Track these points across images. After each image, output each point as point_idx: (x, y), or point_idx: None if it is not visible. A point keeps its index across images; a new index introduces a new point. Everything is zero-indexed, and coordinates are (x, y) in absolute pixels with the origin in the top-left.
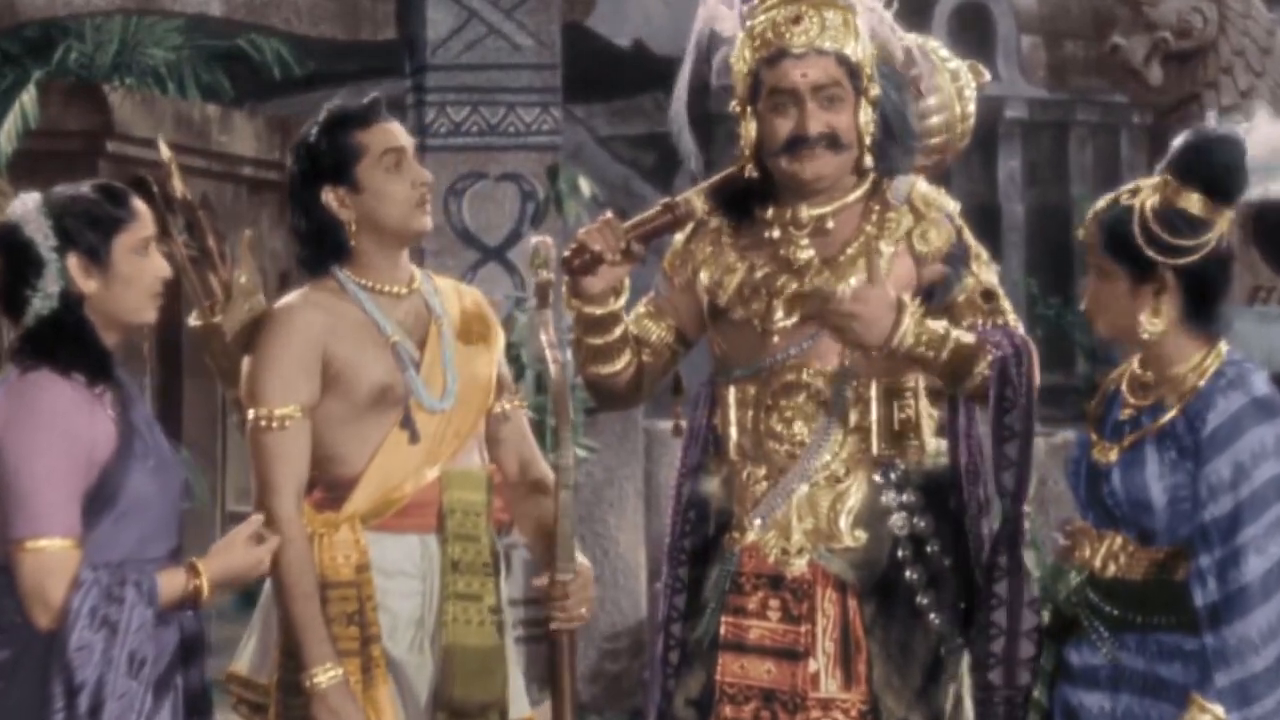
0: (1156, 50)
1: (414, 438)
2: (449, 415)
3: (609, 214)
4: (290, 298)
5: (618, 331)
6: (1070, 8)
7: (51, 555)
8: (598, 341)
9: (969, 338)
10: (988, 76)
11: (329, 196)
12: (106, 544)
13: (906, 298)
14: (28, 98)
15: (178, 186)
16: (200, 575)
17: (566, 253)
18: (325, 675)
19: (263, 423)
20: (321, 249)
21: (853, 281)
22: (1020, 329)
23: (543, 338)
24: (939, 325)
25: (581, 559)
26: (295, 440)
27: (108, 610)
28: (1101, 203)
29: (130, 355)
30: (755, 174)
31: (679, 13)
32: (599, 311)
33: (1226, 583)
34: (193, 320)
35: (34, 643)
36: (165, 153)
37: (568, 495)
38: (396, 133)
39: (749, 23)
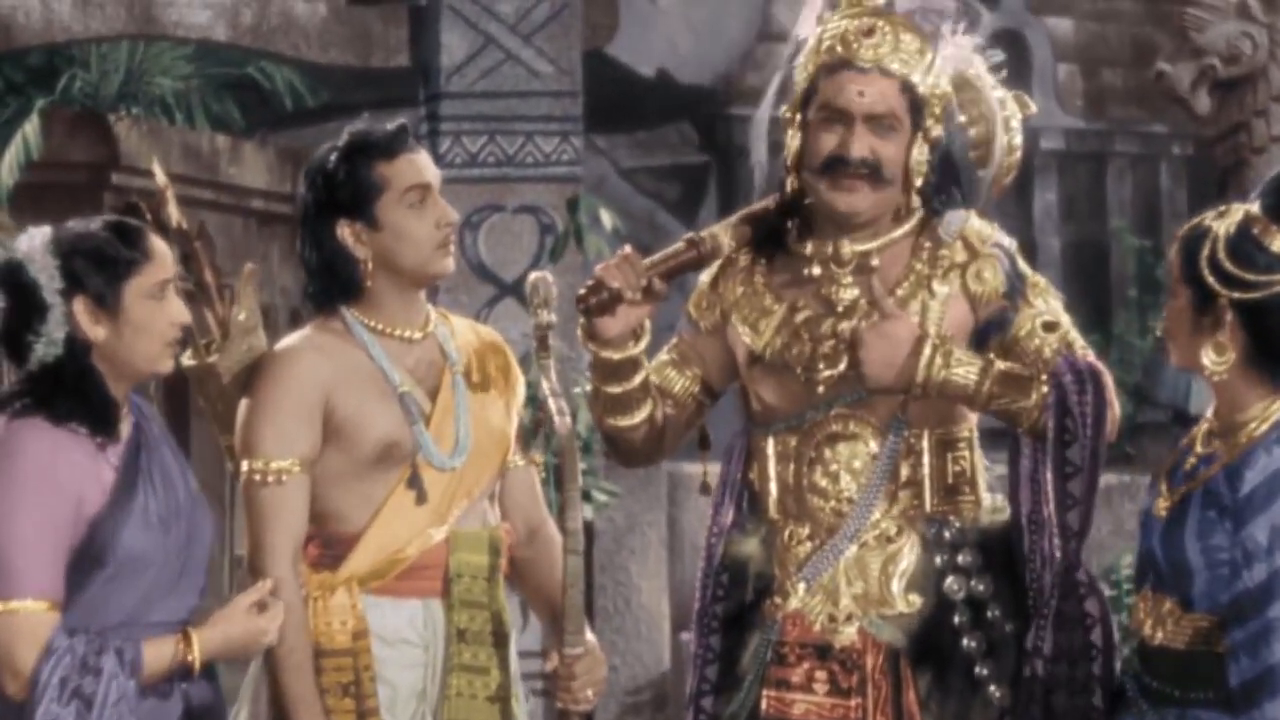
0: (1204, 77)
1: (421, 498)
2: (460, 473)
3: (628, 248)
4: (291, 340)
5: (637, 379)
6: (1109, 35)
7: (23, 618)
8: (615, 390)
9: (1018, 367)
10: (1033, 108)
11: (344, 231)
12: (100, 606)
13: (931, 328)
14: (30, 128)
15: (173, 215)
16: (192, 645)
17: (582, 290)
18: None
19: (257, 476)
20: (332, 286)
21: (860, 324)
22: (1090, 355)
23: (544, 386)
24: (975, 356)
25: (590, 636)
26: (293, 497)
27: (81, 682)
28: (1189, 223)
29: (139, 392)
30: (796, 188)
31: (705, 41)
32: (617, 356)
33: (1258, 659)
34: (186, 360)
35: (4, 713)
36: (160, 179)
37: (576, 562)
38: (422, 166)
39: (820, 28)
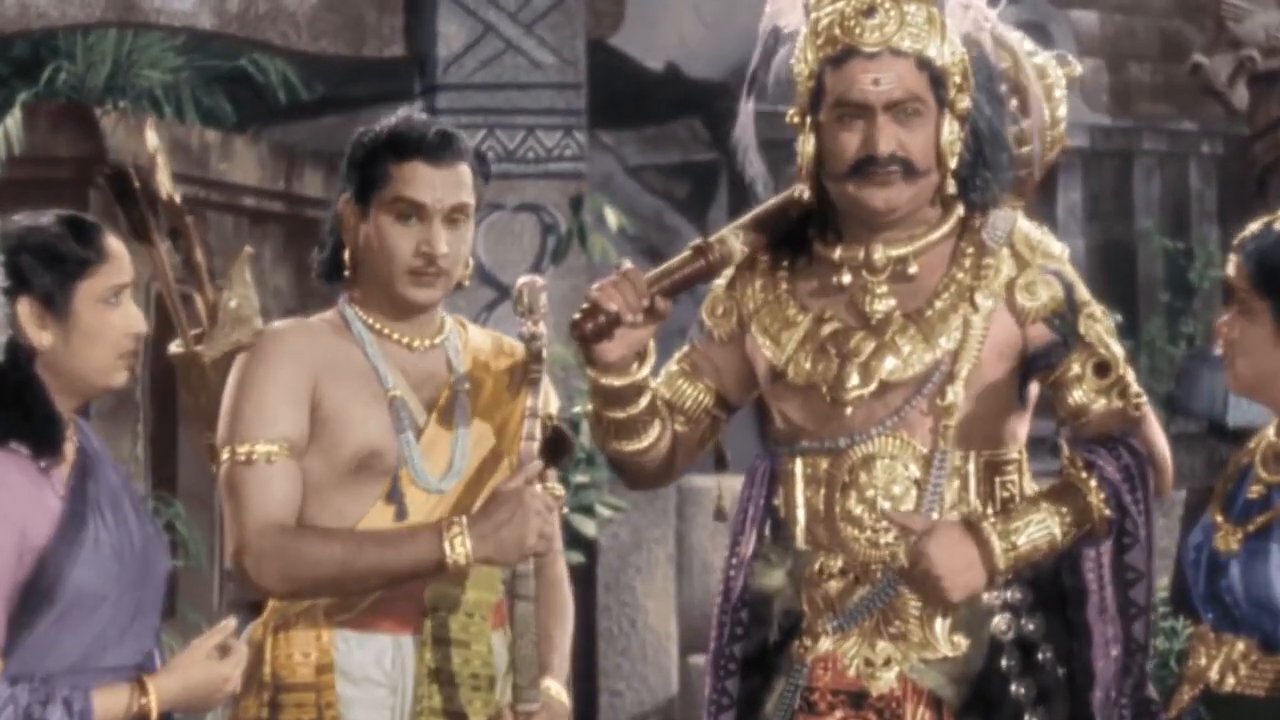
0: (1242, 70)
1: (400, 514)
2: (451, 497)
3: (627, 263)
4: (281, 322)
5: (643, 403)
6: (1136, 29)
7: None
8: (619, 415)
9: (1066, 484)
10: (1079, 69)
11: (345, 208)
12: (47, 650)
13: (977, 508)
14: (13, 121)
15: (163, 185)
16: (148, 694)
17: (576, 315)
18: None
19: (241, 457)
20: (324, 257)
21: (900, 552)
22: (1142, 405)
23: (526, 403)
24: (1027, 508)
25: (555, 687)
26: (280, 479)
27: None
28: (1250, 229)
29: (122, 400)
30: (812, 199)
31: (716, 34)
32: (619, 383)
33: None
34: (174, 348)
35: None
36: (151, 141)
37: (526, 609)
38: (424, 182)
39: (813, 15)
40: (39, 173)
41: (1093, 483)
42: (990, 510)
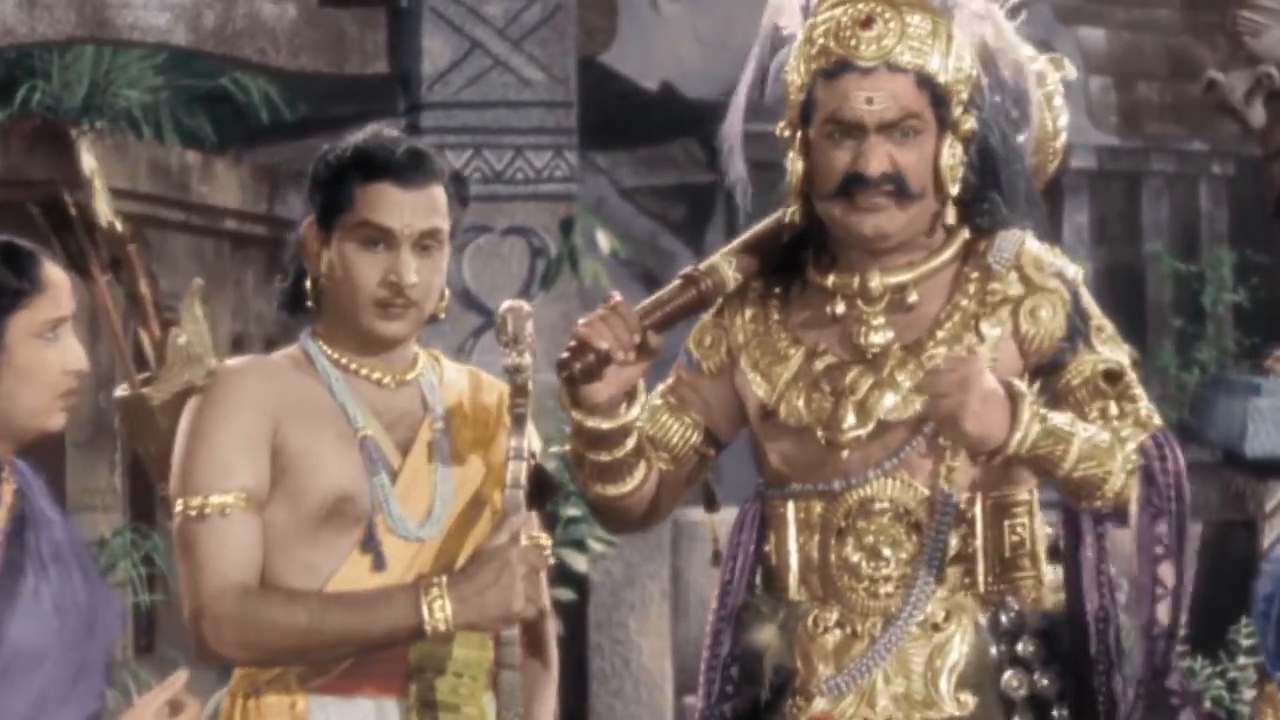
0: (1259, 87)
1: (379, 564)
2: (433, 545)
3: (616, 296)
4: (237, 360)
5: (630, 444)
6: (1144, 46)
7: None
8: (605, 459)
9: (1099, 431)
10: (1073, 72)
11: (307, 230)
12: None
13: (1018, 381)
14: None
15: (102, 211)
16: None
17: (564, 354)
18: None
19: (193, 513)
20: (285, 286)
21: (940, 353)
22: (1155, 419)
23: (512, 443)
24: (1061, 415)
25: None
26: (239, 533)
27: None
28: None
29: (100, 430)
30: (800, 220)
31: (712, 53)
32: (606, 425)
33: None
34: (120, 391)
35: None
36: (88, 164)
37: (511, 680)
38: (394, 206)
39: (809, 20)
40: (12, 194)
41: (1130, 445)
42: (998, 562)
